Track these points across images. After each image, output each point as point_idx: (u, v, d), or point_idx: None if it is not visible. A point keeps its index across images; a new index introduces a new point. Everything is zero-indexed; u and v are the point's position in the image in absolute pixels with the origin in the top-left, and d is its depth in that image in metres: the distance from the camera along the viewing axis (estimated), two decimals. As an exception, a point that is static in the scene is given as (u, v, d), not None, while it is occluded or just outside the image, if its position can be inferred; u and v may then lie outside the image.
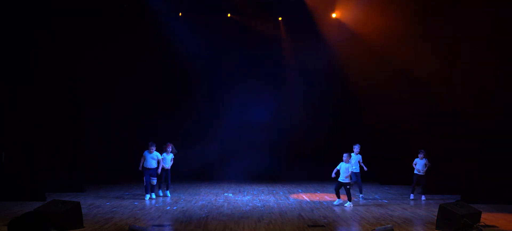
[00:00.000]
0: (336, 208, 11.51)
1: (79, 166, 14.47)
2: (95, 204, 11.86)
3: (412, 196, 13.24)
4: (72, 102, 14.47)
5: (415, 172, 13.33)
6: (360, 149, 13.23)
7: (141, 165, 12.74)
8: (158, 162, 12.82)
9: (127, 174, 16.84)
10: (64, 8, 13.58)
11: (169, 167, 13.30)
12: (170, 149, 13.34)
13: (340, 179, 11.75)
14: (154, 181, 12.84)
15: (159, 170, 12.87)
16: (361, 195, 13.21)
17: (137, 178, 16.49)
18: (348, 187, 11.66)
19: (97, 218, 10.00)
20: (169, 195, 13.34)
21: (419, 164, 13.24)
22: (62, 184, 13.97)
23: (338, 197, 11.97)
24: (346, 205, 11.66)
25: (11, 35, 12.59)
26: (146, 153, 12.75)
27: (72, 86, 14.42)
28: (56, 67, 13.88)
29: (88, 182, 14.83)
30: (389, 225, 8.63)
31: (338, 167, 11.80)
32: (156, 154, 12.80)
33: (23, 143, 12.70)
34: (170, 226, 9.25)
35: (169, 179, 13.32)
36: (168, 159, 13.28)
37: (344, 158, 11.73)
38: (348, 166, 11.71)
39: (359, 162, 13.09)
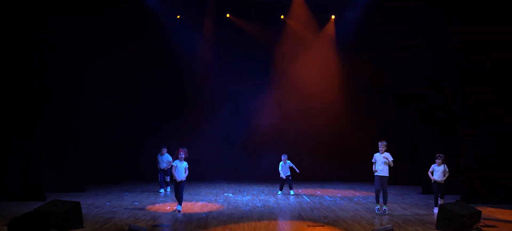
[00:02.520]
0: (335, 208, 11.51)
1: (79, 166, 14.46)
2: (95, 204, 11.87)
3: (435, 210, 10.68)
4: (72, 102, 14.45)
5: (433, 178, 11.18)
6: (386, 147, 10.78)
7: (158, 166, 14.27)
8: (168, 163, 13.84)
9: (127, 174, 16.88)
10: (64, 8, 13.59)
11: (184, 179, 10.85)
12: (183, 155, 10.93)
13: (282, 176, 14.00)
14: (168, 179, 14.23)
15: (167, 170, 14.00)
16: (385, 207, 10.78)
17: (137, 178, 16.56)
18: (290, 179, 14.02)
19: (97, 218, 10.00)
20: (180, 208, 10.91)
21: (437, 171, 11.14)
22: (62, 184, 13.98)
23: (281, 191, 14.08)
24: (291, 193, 13.89)
25: (11, 35, 12.59)
26: (158, 156, 14.25)
27: (72, 86, 14.40)
28: (56, 67, 13.89)
29: (88, 182, 14.84)
30: (389, 225, 8.63)
31: (279, 169, 14.09)
32: (166, 156, 14.06)
33: (23, 143, 12.69)
34: (170, 226, 9.25)
35: (182, 192, 10.95)
36: (181, 168, 10.90)
37: (282, 159, 14.01)
38: (288, 164, 13.97)
39: (387, 159, 10.59)
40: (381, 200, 10.84)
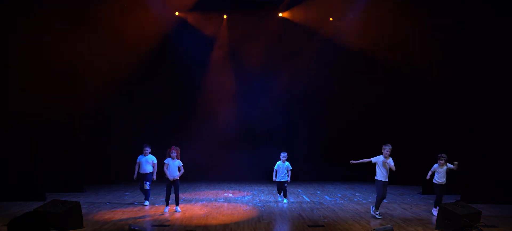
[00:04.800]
0: (335, 208, 11.51)
1: (79, 166, 14.46)
2: (95, 204, 11.87)
3: (434, 211, 10.55)
4: (73, 102, 14.44)
5: (435, 181, 10.73)
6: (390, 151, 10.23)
7: (136, 173, 11.72)
8: (153, 166, 11.70)
9: (128, 174, 16.81)
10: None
11: (177, 177, 10.76)
12: (176, 154, 10.78)
13: (278, 178, 12.38)
14: (148, 186, 11.69)
15: (154, 176, 11.71)
16: (378, 211, 10.34)
17: (137, 178, 16.52)
18: (285, 185, 12.39)
19: (97, 218, 10.01)
20: (179, 210, 10.85)
21: (440, 173, 10.70)
22: (62, 184, 13.98)
23: (281, 195, 12.59)
24: (284, 201, 12.32)
25: (12, 35, 12.59)
26: (140, 157, 11.76)
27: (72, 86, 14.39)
28: (57, 67, 13.87)
29: (88, 182, 14.84)
30: (389, 225, 8.64)
31: (276, 168, 12.44)
32: (151, 157, 11.73)
33: (23, 143, 12.68)
34: (170, 226, 9.24)
35: (178, 192, 10.82)
36: (173, 167, 10.75)
37: (281, 158, 12.37)
38: (287, 165, 12.37)
39: (391, 166, 10.19)
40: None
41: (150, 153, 11.80)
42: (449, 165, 10.62)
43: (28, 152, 12.72)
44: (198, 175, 16.98)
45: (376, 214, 10.28)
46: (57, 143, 14.12)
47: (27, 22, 12.57)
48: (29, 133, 12.76)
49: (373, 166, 10.39)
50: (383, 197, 10.28)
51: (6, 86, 12.68)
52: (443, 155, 10.70)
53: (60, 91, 13.97)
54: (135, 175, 11.74)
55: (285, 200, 12.34)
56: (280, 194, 12.61)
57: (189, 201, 12.58)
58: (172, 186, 10.75)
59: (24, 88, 12.75)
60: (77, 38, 13.87)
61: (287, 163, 12.40)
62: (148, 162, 11.72)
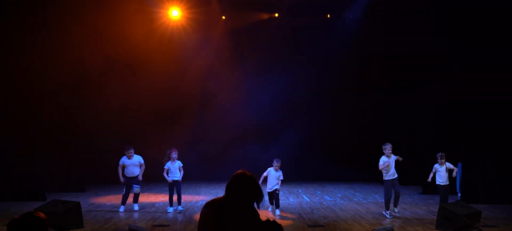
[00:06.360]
0: (335, 208, 11.51)
1: (79, 166, 14.46)
2: (95, 204, 11.88)
3: None
4: (73, 102, 14.44)
5: (437, 182, 10.55)
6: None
7: (121, 175, 10.96)
8: (141, 166, 10.99)
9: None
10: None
11: (179, 178, 10.85)
12: (176, 155, 10.85)
13: (268, 188, 10.76)
14: (138, 189, 11.04)
15: (140, 176, 10.96)
16: (396, 209, 10.44)
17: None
18: (277, 192, 10.70)
19: (97, 218, 10.01)
20: (181, 208, 10.94)
21: (441, 172, 10.50)
22: (62, 184, 13.98)
23: (272, 204, 10.88)
24: (276, 212, 10.62)
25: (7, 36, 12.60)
26: (124, 159, 10.97)
27: (73, 86, 14.39)
28: (56, 67, 13.88)
29: (88, 182, 14.83)
30: (389, 225, 8.64)
31: (265, 174, 10.85)
32: (137, 158, 10.97)
33: (24, 143, 12.69)
34: (170, 226, 9.25)
35: (180, 191, 11.01)
36: (174, 169, 10.87)
37: (274, 165, 10.81)
38: (279, 174, 10.77)
39: (398, 159, 10.22)
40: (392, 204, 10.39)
41: (134, 153, 10.98)
42: (448, 164, 10.52)
43: (28, 151, 12.71)
44: (198, 175, 16.98)
45: (386, 213, 10.34)
46: (57, 143, 14.13)
47: (25, 24, 12.58)
48: (29, 133, 12.76)
49: (375, 165, 10.36)
50: (398, 194, 10.40)
51: (6, 87, 12.68)
52: (442, 153, 10.58)
53: (60, 92, 13.99)
54: (122, 178, 10.93)
55: (278, 211, 10.64)
56: (271, 204, 10.91)
57: (189, 201, 12.58)
58: (175, 186, 10.86)
59: (24, 89, 12.75)
60: (72, 39, 13.86)
61: (280, 172, 10.81)
62: (135, 164, 10.91)
